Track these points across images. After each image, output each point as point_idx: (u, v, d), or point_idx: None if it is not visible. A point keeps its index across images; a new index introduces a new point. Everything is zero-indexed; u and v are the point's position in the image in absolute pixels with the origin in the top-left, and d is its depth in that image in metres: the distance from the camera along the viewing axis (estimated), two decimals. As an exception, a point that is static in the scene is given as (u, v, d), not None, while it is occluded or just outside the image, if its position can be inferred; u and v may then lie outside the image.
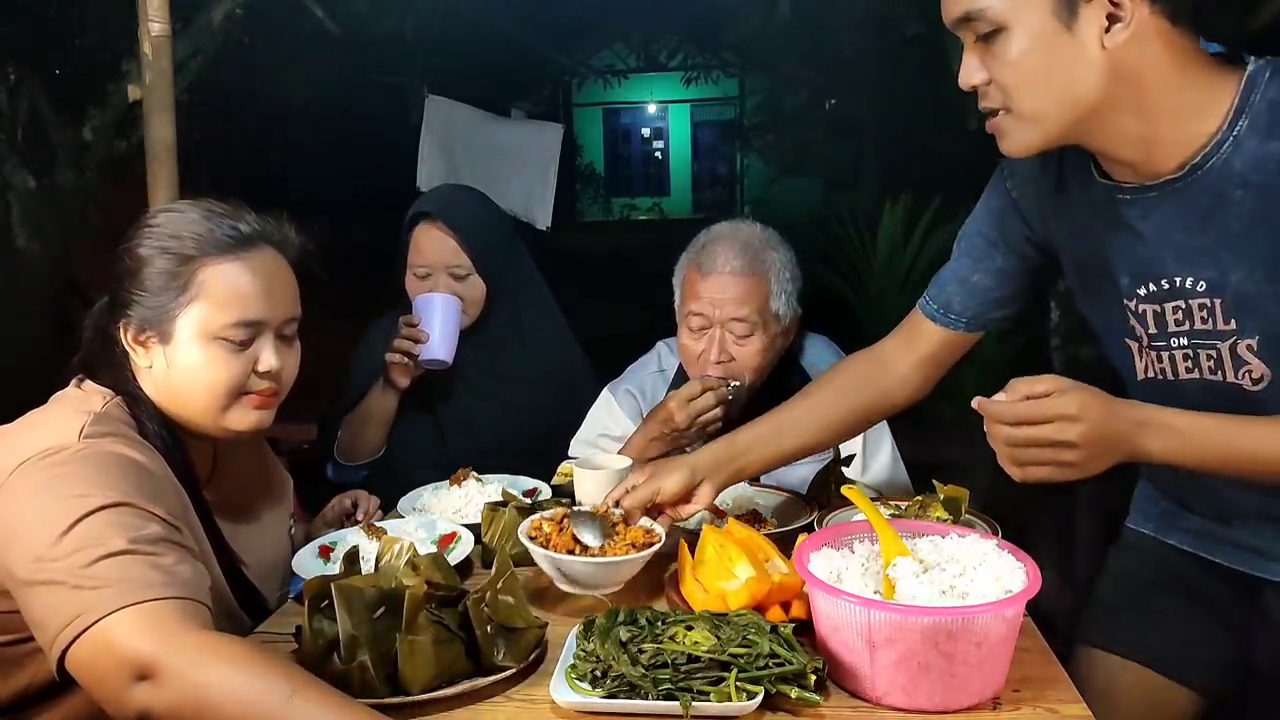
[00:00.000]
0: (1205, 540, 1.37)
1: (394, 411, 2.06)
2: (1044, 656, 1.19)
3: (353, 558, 1.29)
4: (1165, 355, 1.22)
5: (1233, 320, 1.14)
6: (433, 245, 1.99)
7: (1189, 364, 1.20)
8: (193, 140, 2.43)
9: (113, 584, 1.00)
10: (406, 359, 1.95)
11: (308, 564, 1.47)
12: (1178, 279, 1.16)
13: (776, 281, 1.75)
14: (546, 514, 1.42)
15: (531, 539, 1.33)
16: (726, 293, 1.71)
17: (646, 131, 19.13)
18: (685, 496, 1.41)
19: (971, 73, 1.11)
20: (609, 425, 1.95)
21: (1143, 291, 1.20)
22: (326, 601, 1.13)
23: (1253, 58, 1.10)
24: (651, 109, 18.64)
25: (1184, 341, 1.19)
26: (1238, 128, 1.07)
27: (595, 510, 1.39)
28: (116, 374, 1.28)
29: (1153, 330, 1.22)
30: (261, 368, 1.26)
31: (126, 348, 1.26)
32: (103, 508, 1.06)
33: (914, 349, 1.47)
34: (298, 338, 1.35)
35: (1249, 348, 1.14)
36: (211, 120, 4.92)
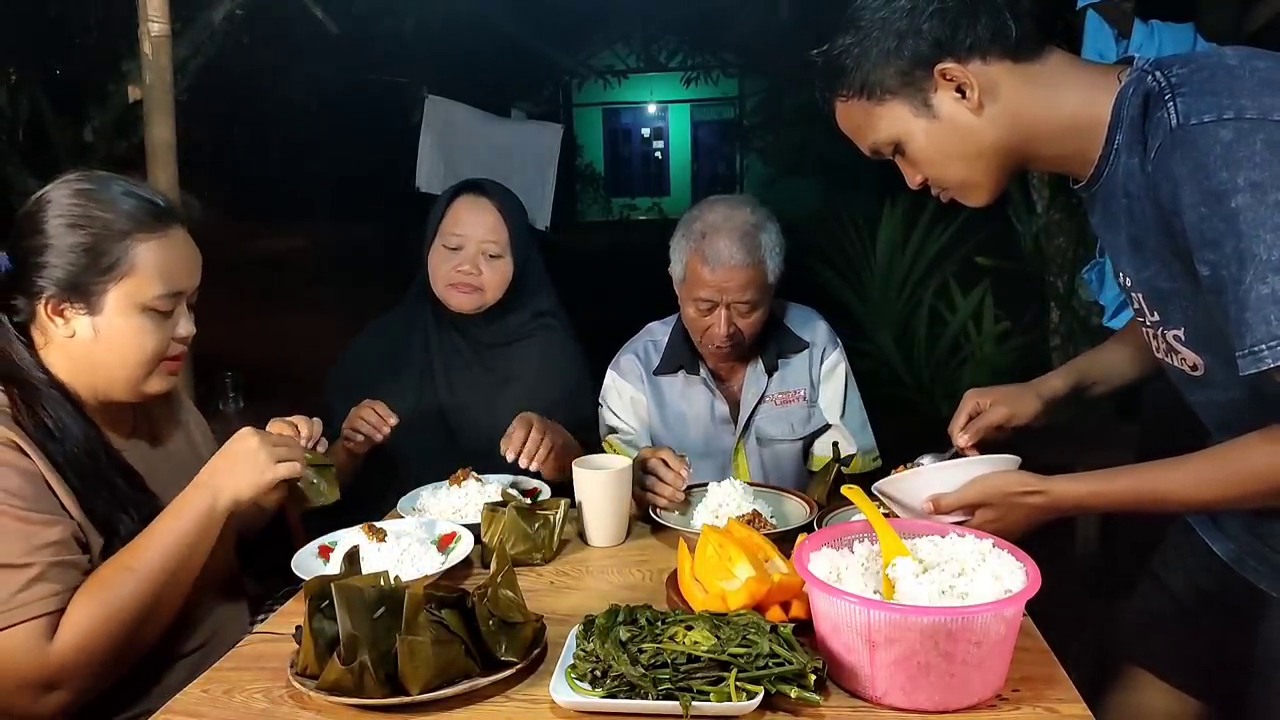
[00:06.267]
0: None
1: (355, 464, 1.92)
2: (1044, 656, 1.19)
3: (353, 558, 1.29)
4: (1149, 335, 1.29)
5: (1156, 313, 1.21)
6: (476, 217, 2.03)
7: (1156, 346, 1.27)
8: (192, 140, 2.43)
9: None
10: (359, 437, 1.83)
11: (308, 564, 1.47)
12: (1119, 273, 1.26)
13: (771, 259, 1.92)
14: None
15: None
16: (731, 281, 1.88)
17: (646, 131, 19.07)
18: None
19: (910, 178, 1.30)
20: (621, 400, 2.09)
21: (1119, 280, 1.29)
22: (326, 601, 1.14)
23: (1136, 57, 1.17)
24: (651, 109, 18.60)
25: (1146, 326, 1.26)
26: (1115, 142, 1.15)
27: None
28: (6, 356, 1.33)
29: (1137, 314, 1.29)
30: (181, 333, 1.41)
31: (45, 318, 1.32)
32: None
33: None
34: None
35: (1176, 338, 1.20)
36: (211, 120, 4.92)
